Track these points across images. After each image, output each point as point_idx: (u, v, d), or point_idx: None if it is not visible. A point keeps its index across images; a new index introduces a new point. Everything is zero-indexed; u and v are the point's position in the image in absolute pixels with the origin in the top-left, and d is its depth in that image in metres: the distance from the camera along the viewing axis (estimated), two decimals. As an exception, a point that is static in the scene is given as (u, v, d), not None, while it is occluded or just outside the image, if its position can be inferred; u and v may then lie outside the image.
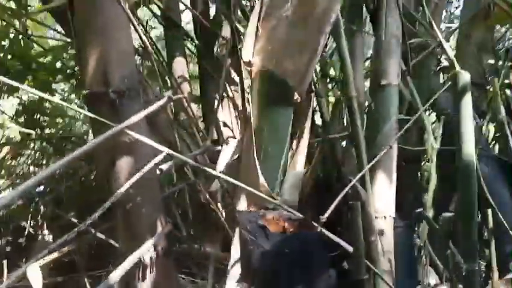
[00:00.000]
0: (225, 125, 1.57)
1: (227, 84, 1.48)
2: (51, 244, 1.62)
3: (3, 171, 1.99)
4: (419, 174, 1.41)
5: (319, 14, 0.76)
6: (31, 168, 2.22)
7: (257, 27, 0.83)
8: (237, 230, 0.63)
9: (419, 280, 0.99)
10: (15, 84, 0.82)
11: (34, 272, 0.98)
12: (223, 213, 1.05)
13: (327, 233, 0.60)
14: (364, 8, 1.16)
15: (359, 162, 1.09)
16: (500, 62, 1.36)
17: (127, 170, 0.90)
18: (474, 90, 1.31)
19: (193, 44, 1.55)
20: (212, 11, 1.59)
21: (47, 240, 1.51)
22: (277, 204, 0.78)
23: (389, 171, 1.03)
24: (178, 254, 1.03)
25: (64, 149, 2.16)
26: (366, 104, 1.12)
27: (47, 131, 2.10)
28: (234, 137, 0.93)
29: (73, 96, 2.27)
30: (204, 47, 1.52)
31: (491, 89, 1.32)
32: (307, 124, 0.86)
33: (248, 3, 1.41)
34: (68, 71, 1.90)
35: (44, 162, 2.33)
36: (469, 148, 0.69)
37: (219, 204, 1.17)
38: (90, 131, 2.62)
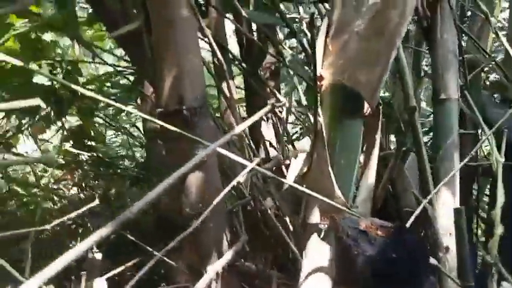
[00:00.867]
0: (271, 144, 1.60)
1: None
2: (101, 263, 1.63)
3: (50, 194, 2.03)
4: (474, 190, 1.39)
5: (391, 29, 0.78)
6: (73, 190, 2.27)
7: (325, 43, 0.86)
8: (326, 241, 0.63)
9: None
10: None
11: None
12: (289, 227, 1.04)
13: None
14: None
15: (422, 177, 1.09)
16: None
17: (197, 185, 0.91)
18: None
19: (240, 66, 1.59)
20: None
21: (96, 259, 1.52)
22: (354, 215, 0.78)
23: (453, 187, 1.02)
24: (241, 271, 1.03)
25: (105, 173, 2.21)
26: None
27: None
28: (299, 153, 0.94)
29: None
30: (249, 68, 1.56)
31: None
32: (377, 137, 0.87)
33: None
34: (112, 97, 1.97)
35: (84, 185, 2.39)
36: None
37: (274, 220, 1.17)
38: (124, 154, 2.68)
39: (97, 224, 1.64)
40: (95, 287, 0.89)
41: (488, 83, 1.50)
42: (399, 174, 1.33)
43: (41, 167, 2.32)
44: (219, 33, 1.57)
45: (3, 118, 2.08)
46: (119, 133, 2.50)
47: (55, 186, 2.31)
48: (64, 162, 1.99)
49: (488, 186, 1.52)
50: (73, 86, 0.68)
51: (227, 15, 1.59)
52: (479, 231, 1.48)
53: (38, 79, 1.41)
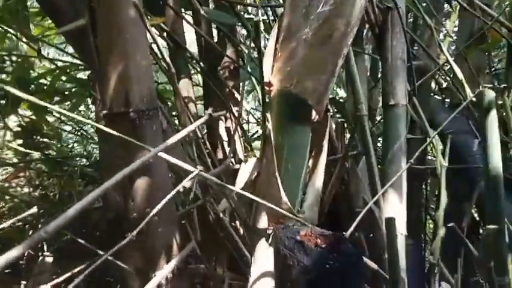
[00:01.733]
0: (229, 144, 1.60)
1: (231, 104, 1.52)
2: (52, 266, 1.57)
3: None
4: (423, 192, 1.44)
5: (337, 37, 0.80)
6: (25, 189, 2.18)
7: (275, 49, 0.86)
8: (272, 247, 0.63)
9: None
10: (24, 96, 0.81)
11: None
12: (238, 231, 1.05)
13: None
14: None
15: (371, 179, 1.12)
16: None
17: (144, 189, 0.90)
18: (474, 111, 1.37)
19: (198, 65, 1.57)
20: (215, 32, 1.63)
21: (47, 262, 1.47)
22: (299, 221, 0.79)
23: (400, 189, 1.05)
24: (191, 274, 1.02)
25: (58, 170, 2.14)
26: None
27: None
28: (252, 156, 0.94)
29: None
30: (208, 68, 1.55)
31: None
32: (325, 142, 0.88)
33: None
34: (66, 92, 1.90)
35: (38, 183, 2.30)
36: (496, 161, 0.72)
37: (226, 223, 1.17)
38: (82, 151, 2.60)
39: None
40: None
41: (439, 88, 1.56)
42: (353, 176, 1.36)
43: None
44: (177, 32, 1.55)
45: None
46: (75, 129, 2.42)
47: (6, 184, 2.22)
48: (16, 160, 1.91)
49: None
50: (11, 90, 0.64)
51: (185, 14, 1.57)
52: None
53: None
